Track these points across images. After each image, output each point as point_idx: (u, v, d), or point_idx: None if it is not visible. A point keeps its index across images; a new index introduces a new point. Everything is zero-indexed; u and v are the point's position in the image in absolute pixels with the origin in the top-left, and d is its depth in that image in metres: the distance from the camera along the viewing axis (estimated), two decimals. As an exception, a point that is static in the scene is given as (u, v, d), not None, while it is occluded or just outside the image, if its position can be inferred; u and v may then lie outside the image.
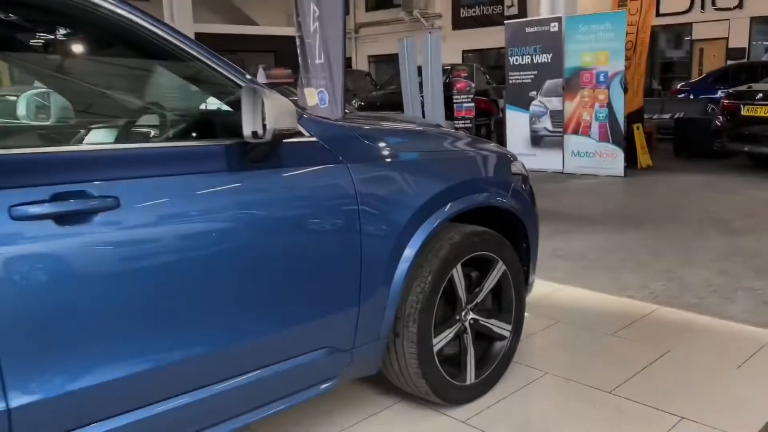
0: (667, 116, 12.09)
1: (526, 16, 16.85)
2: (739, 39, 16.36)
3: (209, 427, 1.90)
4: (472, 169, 2.62)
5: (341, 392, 2.73)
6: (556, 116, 8.76)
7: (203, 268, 1.79)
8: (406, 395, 2.68)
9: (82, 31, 2.08)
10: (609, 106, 8.36)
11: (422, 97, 9.59)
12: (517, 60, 8.98)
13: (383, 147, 2.35)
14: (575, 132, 8.75)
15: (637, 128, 9.09)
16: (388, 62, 19.53)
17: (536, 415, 2.58)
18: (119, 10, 1.74)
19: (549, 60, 8.67)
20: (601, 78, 8.37)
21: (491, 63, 18.91)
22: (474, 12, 18.53)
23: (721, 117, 8.66)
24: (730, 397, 2.63)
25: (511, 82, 9.15)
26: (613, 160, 8.47)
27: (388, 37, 18.35)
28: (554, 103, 8.77)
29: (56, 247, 1.53)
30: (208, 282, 1.81)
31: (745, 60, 15.76)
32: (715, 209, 6.37)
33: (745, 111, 8.16)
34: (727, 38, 16.55)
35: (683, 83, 14.88)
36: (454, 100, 10.32)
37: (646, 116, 10.14)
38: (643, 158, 9.12)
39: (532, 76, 8.87)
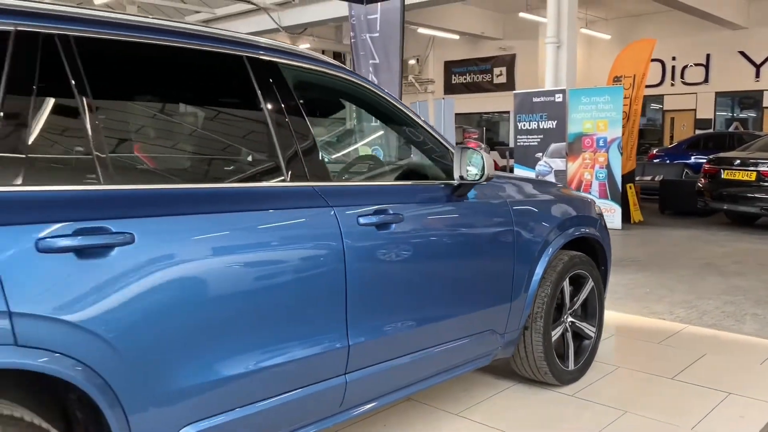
0: (647, 178, 13.36)
1: (514, 85, 18.34)
2: (706, 110, 18.06)
3: (426, 379, 2.77)
4: (575, 209, 3.57)
5: (472, 377, 3.59)
6: (560, 175, 9.86)
7: (437, 262, 2.69)
8: (519, 379, 3.55)
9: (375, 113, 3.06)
10: (608, 167, 9.52)
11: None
12: (524, 125, 10.13)
13: (526, 190, 3.30)
14: (577, 189, 9.86)
15: (630, 188, 10.26)
16: (382, 122, 20.71)
17: (622, 391, 3.46)
18: (390, 99, 2.70)
19: (554, 126, 9.83)
20: (601, 143, 9.56)
21: (476, 125, 20.28)
22: (464, 79, 20.01)
23: (702, 179, 9.88)
24: (760, 381, 3.57)
25: (519, 144, 10.28)
26: (612, 215, 9.56)
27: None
28: (558, 163, 9.89)
29: (377, 243, 2.42)
30: (438, 270, 2.71)
31: (712, 130, 17.39)
32: (707, 257, 7.45)
33: (725, 174, 9.39)
34: (695, 109, 18.24)
35: (658, 149, 16.31)
36: (465, 159, 11.38)
37: (627, 178, 11.33)
38: (635, 214, 10.26)
39: (538, 140, 10.01)
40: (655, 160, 15.48)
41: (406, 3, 7.18)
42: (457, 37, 18.12)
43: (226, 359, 1.99)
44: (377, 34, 6.90)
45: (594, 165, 9.67)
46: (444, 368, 2.83)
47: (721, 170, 9.48)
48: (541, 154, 10.10)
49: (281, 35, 17.91)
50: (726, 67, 17.40)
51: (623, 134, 9.77)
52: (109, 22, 1.96)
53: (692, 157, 14.68)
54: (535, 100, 10.03)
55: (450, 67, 20.27)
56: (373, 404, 2.55)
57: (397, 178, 3.02)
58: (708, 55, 17.75)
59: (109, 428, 1.74)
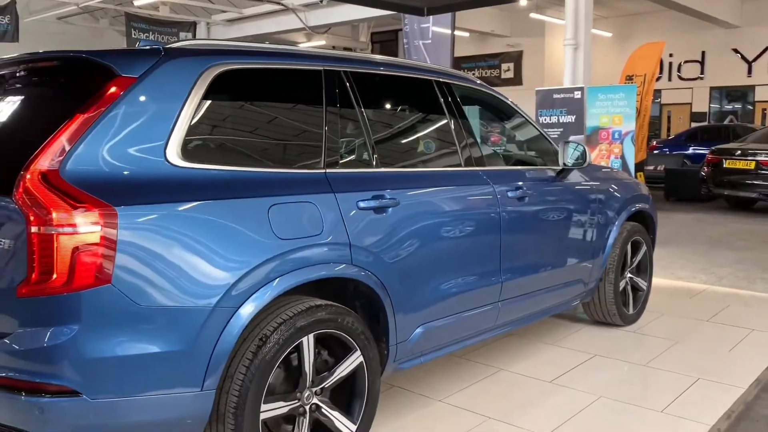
0: (650, 167, 14.42)
1: (521, 80, 19.37)
2: (701, 104, 19.18)
3: (540, 312, 3.79)
4: (635, 189, 4.59)
5: (551, 321, 4.61)
6: (578, 165, 10.89)
7: (550, 226, 3.71)
8: (587, 323, 4.57)
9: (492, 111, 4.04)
10: (622, 157, 10.56)
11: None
12: (546, 119, 11.12)
13: (601, 174, 4.32)
14: (594, 178, 10.90)
15: (640, 176, 11.31)
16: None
17: (671, 329, 4.48)
18: (513, 105, 3.71)
19: (573, 120, 10.84)
20: (616, 136, 10.59)
21: (484, 118, 21.26)
22: (473, 74, 20.99)
23: (706, 168, 10.96)
24: (775, 321, 4.64)
25: (540, 136, 11.30)
26: (625, 201, 10.62)
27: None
28: (576, 154, 10.91)
29: (517, 211, 3.42)
30: (550, 232, 3.72)
31: (707, 123, 18.50)
32: (715, 235, 8.53)
33: (726, 164, 10.48)
34: (690, 103, 19.35)
35: (657, 140, 17.39)
36: (488, 150, 12.42)
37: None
38: (645, 200, 11.33)
39: (558, 133, 11.02)
40: (655, 151, 16.57)
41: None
42: (467, 34, 19.08)
43: (441, 282, 2.99)
44: (429, 41, 7.86)
45: (610, 155, 10.70)
46: (551, 306, 3.86)
47: (724, 160, 10.57)
48: (560, 145, 11.11)
49: (302, 34, 18.81)
50: (720, 64, 18.48)
51: (636, 127, 10.81)
52: (367, 61, 2.96)
53: (690, 148, 15.75)
54: (555, 96, 11.04)
55: (459, 62, 21.22)
56: (510, 327, 3.58)
57: (511, 164, 4.02)
58: (703, 52, 18.82)
59: (386, 319, 2.73)
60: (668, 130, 19.82)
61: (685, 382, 3.53)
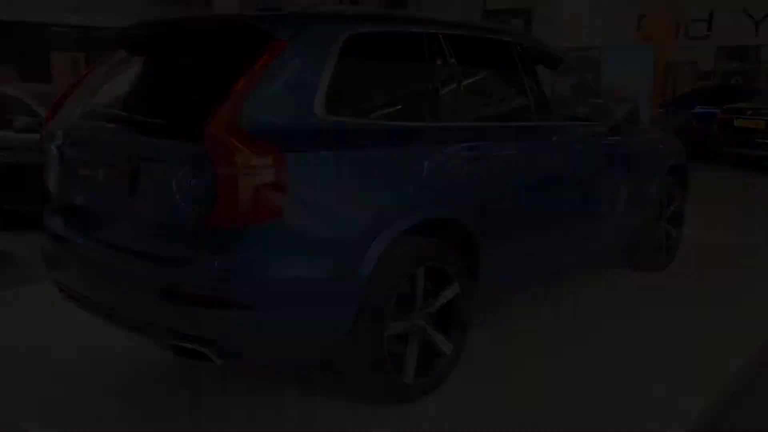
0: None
1: (530, 37, 19.46)
2: (707, 64, 19.39)
3: (591, 258, 4.19)
4: (674, 145, 4.95)
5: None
6: (593, 122, 11.23)
7: (607, 175, 4.08)
8: (622, 267, 4.99)
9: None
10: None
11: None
12: (562, 77, 11.43)
13: (647, 131, 4.68)
14: (608, 135, 11.26)
15: (652, 134, 11.68)
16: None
17: (708, 270, 4.92)
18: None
19: (590, 78, 11.13)
20: (632, 94, 10.91)
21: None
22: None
23: (716, 127, 11.31)
24: None
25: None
26: (639, 158, 11.01)
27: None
28: (592, 112, 11.24)
29: (582, 161, 3.78)
30: (608, 181, 4.10)
31: (712, 82, 18.75)
32: (729, 191, 9.00)
33: (737, 123, 10.83)
34: (696, 62, 19.55)
35: (664, 99, 17.66)
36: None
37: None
38: (656, 157, 11.72)
39: (575, 91, 11.32)
40: (661, 110, 16.86)
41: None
42: (477, -10, 19.12)
43: (520, 225, 3.37)
44: None
45: (625, 113, 11.04)
46: (602, 251, 4.27)
47: (734, 119, 10.91)
48: (576, 103, 11.42)
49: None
50: (728, 23, 18.64)
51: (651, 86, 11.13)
52: (457, 24, 3.28)
53: (697, 107, 16.05)
54: (573, 55, 11.30)
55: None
56: (570, 270, 3.99)
57: (571, 119, 4.37)
58: (711, 12, 18.95)
59: (476, 256, 3.11)
60: (673, 89, 20.05)
61: (734, 306, 4.12)
